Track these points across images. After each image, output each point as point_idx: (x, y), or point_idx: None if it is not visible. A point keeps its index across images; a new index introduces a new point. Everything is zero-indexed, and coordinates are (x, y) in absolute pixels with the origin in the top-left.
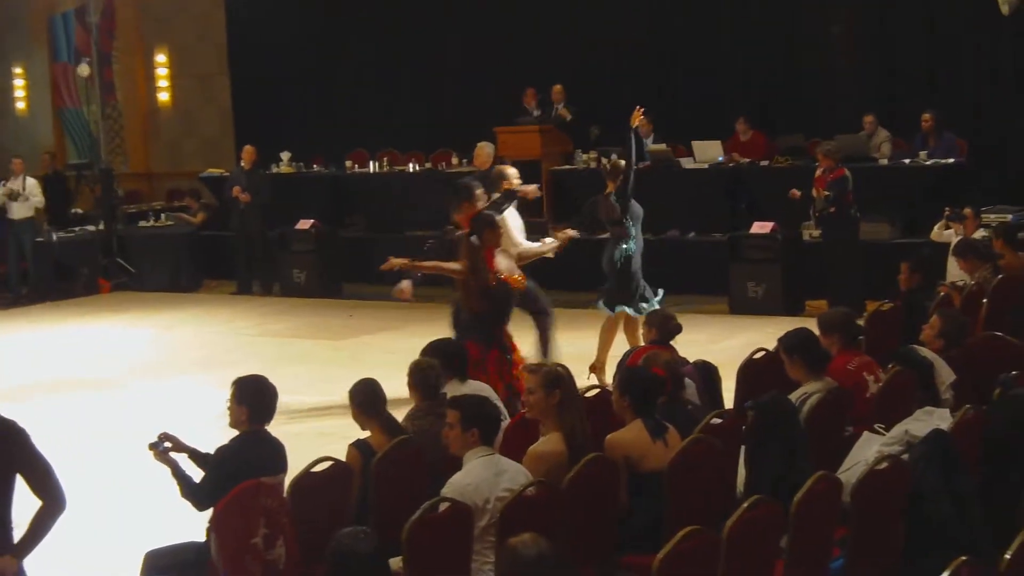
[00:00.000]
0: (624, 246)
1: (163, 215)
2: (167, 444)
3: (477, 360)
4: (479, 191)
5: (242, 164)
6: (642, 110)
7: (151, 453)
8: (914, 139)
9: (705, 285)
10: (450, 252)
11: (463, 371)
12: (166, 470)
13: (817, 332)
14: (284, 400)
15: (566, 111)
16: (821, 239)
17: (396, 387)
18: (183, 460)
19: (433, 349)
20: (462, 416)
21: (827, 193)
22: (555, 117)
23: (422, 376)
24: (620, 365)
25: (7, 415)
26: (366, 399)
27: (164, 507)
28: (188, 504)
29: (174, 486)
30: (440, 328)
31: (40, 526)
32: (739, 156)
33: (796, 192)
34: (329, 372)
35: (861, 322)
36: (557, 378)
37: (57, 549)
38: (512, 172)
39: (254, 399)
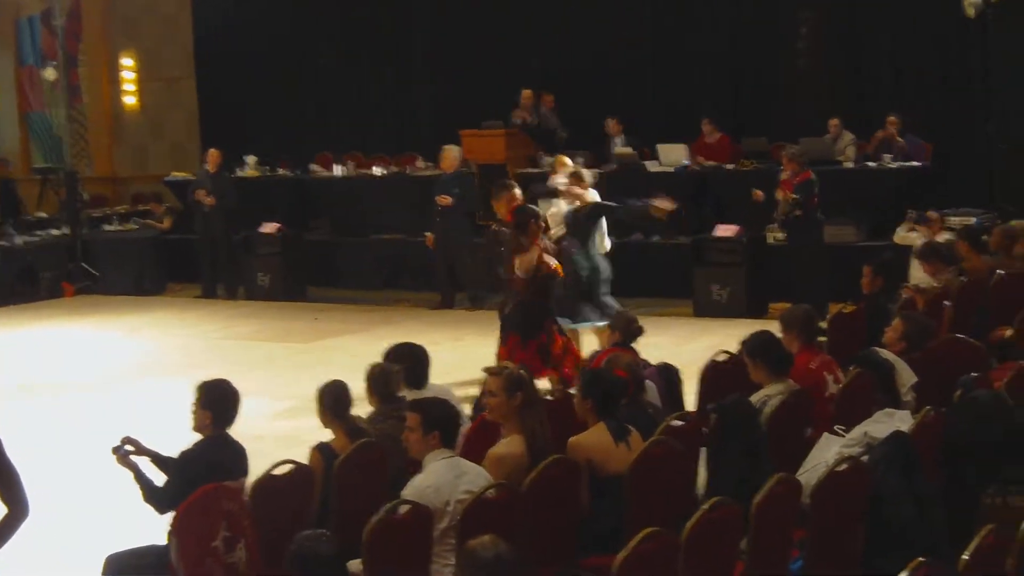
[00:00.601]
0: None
1: (131, 221)
2: (129, 448)
3: (511, 352)
4: (517, 188)
5: (207, 167)
6: None
7: (114, 457)
8: (877, 142)
9: (669, 288)
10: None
11: (423, 375)
12: (129, 474)
13: (779, 331)
14: (248, 403)
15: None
16: (786, 242)
17: (361, 390)
18: (146, 464)
19: (395, 352)
20: (423, 419)
21: (794, 196)
22: (524, 123)
23: (380, 380)
24: (582, 369)
25: None
26: (334, 401)
27: (126, 511)
28: (150, 508)
29: (136, 490)
30: (405, 332)
31: (4, 533)
32: (703, 159)
33: (759, 193)
34: (293, 375)
35: (824, 324)
36: (519, 381)
37: (18, 553)
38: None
39: (217, 403)
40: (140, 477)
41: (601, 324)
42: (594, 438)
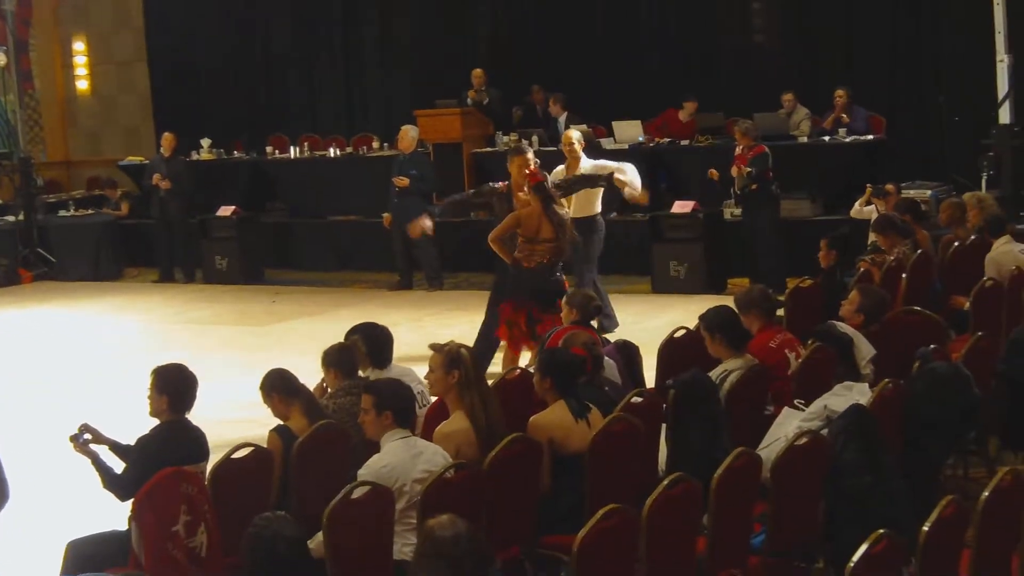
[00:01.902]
0: None
1: (90, 210)
2: (87, 436)
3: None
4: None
5: (162, 152)
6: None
7: (71, 445)
8: (824, 115)
9: (627, 265)
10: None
11: (387, 355)
12: (87, 461)
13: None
14: (205, 388)
15: (484, 94)
16: (742, 217)
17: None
18: (104, 452)
19: (359, 332)
20: (375, 400)
21: (749, 169)
22: (479, 104)
23: (340, 355)
24: (540, 347)
25: None
26: (283, 383)
27: (86, 497)
28: (110, 495)
29: (95, 477)
30: (364, 313)
31: None
32: (657, 136)
33: (714, 172)
34: (252, 358)
35: (782, 298)
36: (456, 358)
37: None
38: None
39: (174, 388)
40: (99, 464)
41: None
42: (554, 416)
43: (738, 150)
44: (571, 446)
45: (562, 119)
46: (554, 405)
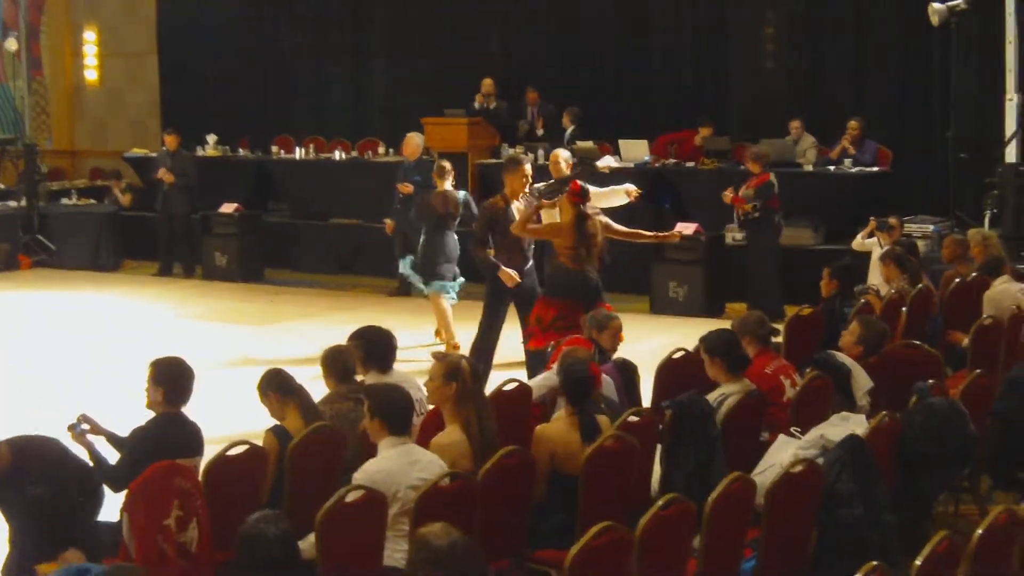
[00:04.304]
0: None
1: (92, 200)
2: (85, 426)
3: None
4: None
5: (166, 148)
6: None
7: (69, 434)
8: (831, 144)
9: (627, 284)
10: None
11: (389, 359)
12: (83, 451)
13: None
14: (202, 383)
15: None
16: (744, 242)
17: (315, 374)
18: (101, 443)
19: (359, 335)
20: (369, 405)
21: (748, 207)
22: (488, 111)
23: (335, 360)
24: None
25: None
26: (279, 383)
27: None
28: (103, 485)
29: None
30: (362, 317)
31: None
32: (664, 154)
33: (729, 195)
34: (247, 357)
35: (780, 327)
36: (456, 370)
37: None
38: (565, 155)
39: (170, 381)
40: (94, 455)
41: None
42: (563, 433)
43: (754, 170)
44: (569, 467)
45: (569, 132)
46: (567, 422)
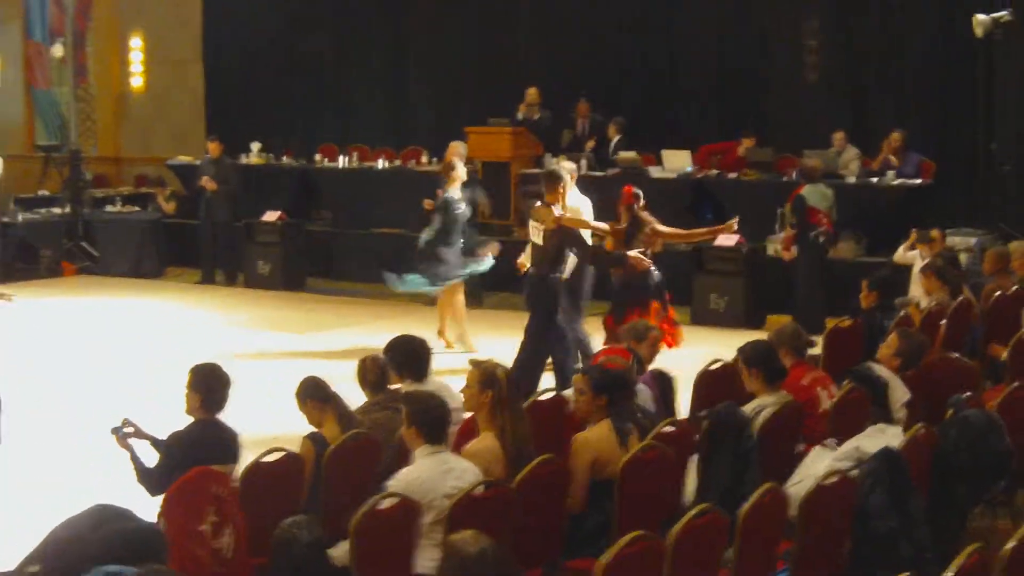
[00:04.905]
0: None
1: (136, 207)
2: (128, 430)
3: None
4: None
5: (209, 155)
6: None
7: (113, 437)
8: (877, 157)
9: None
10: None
11: (424, 368)
12: (125, 454)
13: None
14: (240, 390)
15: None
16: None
17: (353, 382)
18: (144, 447)
19: (396, 344)
20: (406, 413)
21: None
22: (532, 120)
23: (370, 370)
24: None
25: None
26: (316, 390)
27: (121, 490)
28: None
29: (131, 470)
30: (401, 326)
31: None
32: (707, 165)
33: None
34: (287, 365)
35: (819, 339)
36: (492, 379)
37: (11, 532)
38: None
39: (207, 387)
40: (135, 459)
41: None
42: (602, 436)
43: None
44: (608, 471)
45: (614, 142)
46: (601, 425)
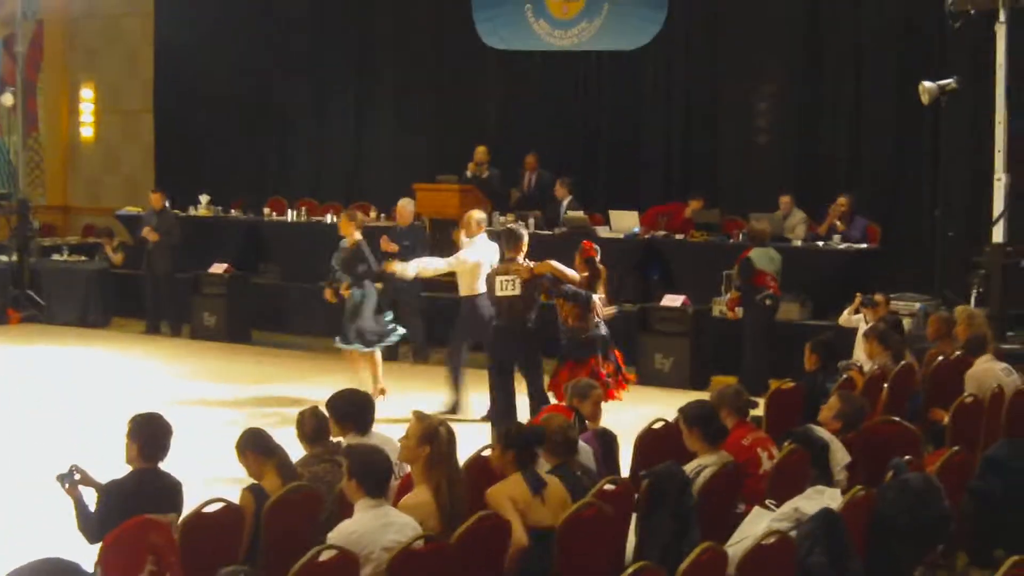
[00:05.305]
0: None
1: (83, 257)
2: (76, 476)
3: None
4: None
5: (152, 206)
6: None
7: (59, 483)
8: (823, 222)
9: None
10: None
11: (363, 422)
12: (70, 501)
13: None
14: (181, 441)
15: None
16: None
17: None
18: (91, 494)
19: (337, 398)
20: (347, 466)
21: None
22: (480, 179)
23: (307, 423)
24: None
25: None
26: (258, 443)
27: (59, 538)
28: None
29: (73, 517)
30: (347, 381)
31: None
32: (654, 226)
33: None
34: (231, 415)
35: (760, 399)
36: (433, 434)
37: None
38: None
39: (146, 436)
40: (80, 505)
41: (362, 349)
42: (511, 488)
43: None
44: (527, 519)
45: (566, 202)
46: (511, 477)
